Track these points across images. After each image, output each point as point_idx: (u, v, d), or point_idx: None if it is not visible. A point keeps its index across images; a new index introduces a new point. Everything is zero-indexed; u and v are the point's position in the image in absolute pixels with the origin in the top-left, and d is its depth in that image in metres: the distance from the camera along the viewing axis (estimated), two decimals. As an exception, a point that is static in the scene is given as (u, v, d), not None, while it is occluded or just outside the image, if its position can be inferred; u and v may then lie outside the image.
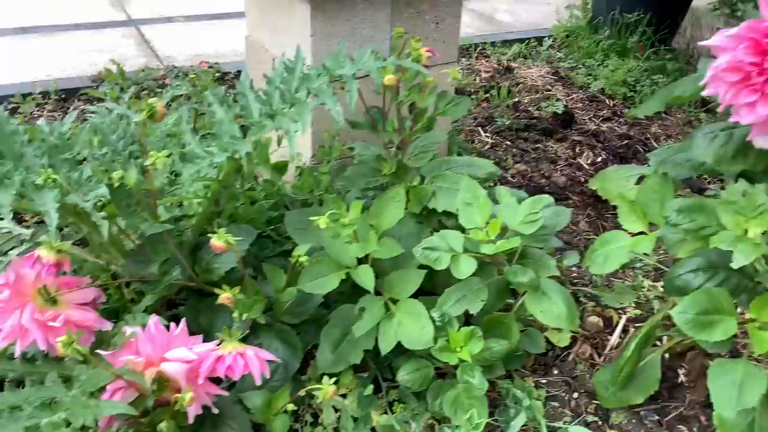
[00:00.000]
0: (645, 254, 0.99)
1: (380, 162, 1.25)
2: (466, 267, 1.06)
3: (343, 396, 1.18)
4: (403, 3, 1.44)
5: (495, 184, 1.80)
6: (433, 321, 1.08)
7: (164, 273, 1.07)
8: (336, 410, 1.17)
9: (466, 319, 1.17)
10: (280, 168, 1.38)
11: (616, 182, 1.08)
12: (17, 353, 0.95)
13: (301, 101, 1.09)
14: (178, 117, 1.35)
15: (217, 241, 0.94)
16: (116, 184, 0.98)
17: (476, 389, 1.04)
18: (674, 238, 0.95)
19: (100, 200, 1.05)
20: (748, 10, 2.27)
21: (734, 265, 0.75)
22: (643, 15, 2.77)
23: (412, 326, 1.08)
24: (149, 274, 1.06)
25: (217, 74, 2.41)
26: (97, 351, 0.94)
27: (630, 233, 1.02)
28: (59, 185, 0.97)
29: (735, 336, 0.88)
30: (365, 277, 1.09)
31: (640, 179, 1.06)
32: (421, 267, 1.15)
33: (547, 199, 1.11)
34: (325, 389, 0.89)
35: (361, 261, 1.14)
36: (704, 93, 0.74)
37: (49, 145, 1.11)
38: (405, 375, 1.11)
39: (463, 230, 1.14)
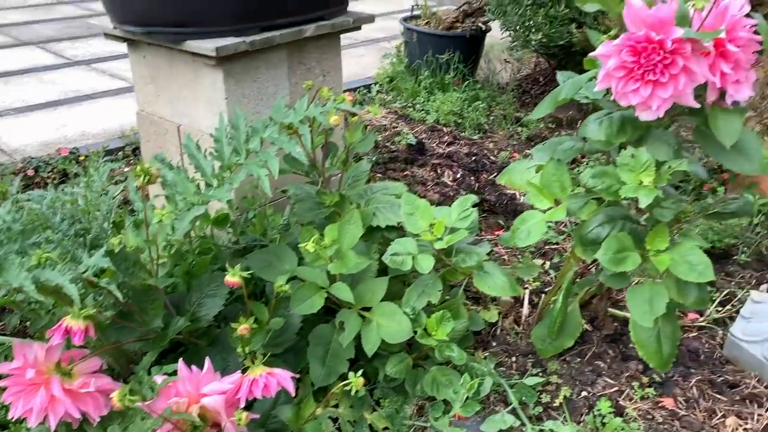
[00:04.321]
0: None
1: (321, 196, 1.42)
2: (426, 263, 1.27)
3: (335, 406, 1.31)
4: (296, 61, 1.64)
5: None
6: (408, 316, 1.26)
7: (164, 327, 1.13)
8: (333, 420, 1.29)
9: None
10: (222, 221, 1.48)
11: (519, 173, 1.37)
12: (53, 427, 0.95)
13: (258, 150, 1.23)
14: (115, 189, 1.39)
15: (232, 278, 1.04)
16: (116, 250, 1.04)
17: (457, 359, 1.24)
18: (577, 206, 1.25)
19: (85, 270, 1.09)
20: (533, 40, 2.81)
21: (641, 205, 1.05)
22: (452, 55, 3.23)
23: (391, 325, 1.26)
24: (151, 330, 1.12)
25: (79, 157, 2.37)
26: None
27: (542, 210, 1.30)
28: (54, 263, 1.01)
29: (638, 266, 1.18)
30: (344, 292, 1.25)
31: (538, 169, 1.35)
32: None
33: (472, 198, 1.36)
34: (355, 380, 1.03)
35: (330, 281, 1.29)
36: (596, 89, 1.04)
37: (15, 231, 1.12)
38: (392, 368, 1.27)
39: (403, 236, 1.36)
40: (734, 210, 1.22)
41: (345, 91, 3.25)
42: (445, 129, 2.87)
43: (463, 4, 3.31)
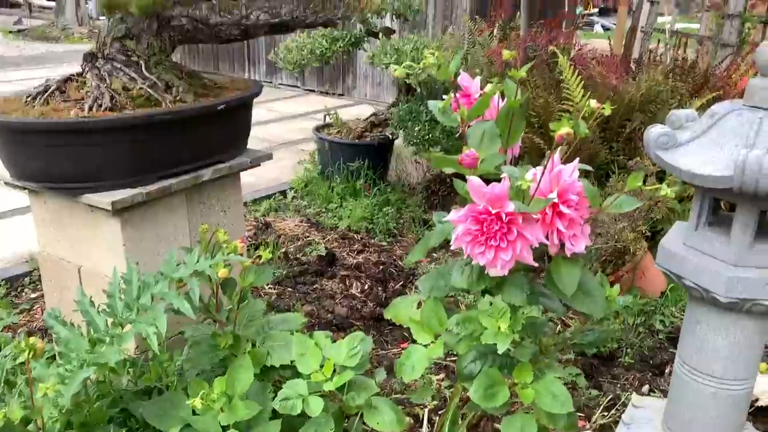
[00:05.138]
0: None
1: (216, 338, 1.47)
2: (316, 406, 1.33)
3: None
4: (196, 201, 1.72)
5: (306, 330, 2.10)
6: (300, 458, 1.31)
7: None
8: None
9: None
10: (117, 369, 1.50)
11: (403, 309, 1.47)
12: None
13: (149, 306, 1.29)
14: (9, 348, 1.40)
15: (116, 446, 1.08)
16: (1, 423, 1.06)
17: (349, 500, 1.29)
18: (453, 341, 1.36)
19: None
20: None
21: (499, 351, 1.16)
22: (363, 163, 3.40)
23: (283, 468, 1.30)
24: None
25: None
26: None
27: (424, 345, 1.40)
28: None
29: (510, 399, 1.29)
30: (236, 439, 1.29)
31: (419, 304, 1.46)
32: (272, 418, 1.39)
33: (359, 335, 1.45)
34: None
35: (224, 427, 1.33)
36: (452, 247, 1.17)
37: None
38: None
39: (300, 376, 1.42)
40: (591, 341, 1.35)
41: (245, 204, 3.35)
42: (356, 236, 2.99)
43: (371, 115, 3.52)
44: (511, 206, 1.07)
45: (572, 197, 1.16)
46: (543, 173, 1.16)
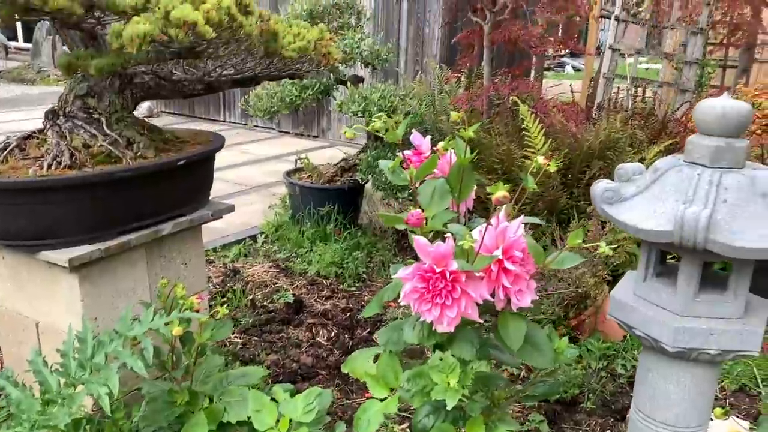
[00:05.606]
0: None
1: (173, 395, 1.47)
2: (272, 463, 1.33)
3: None
4: (156, 255, 1.73)
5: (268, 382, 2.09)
6: None
7: None
8: None
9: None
10: (70, 429, 1.48)
11: (360, 363, 1.48)
12: None
13: (102, 365, 1.29)
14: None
15: None
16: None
17: None
18: (408, 395, 1.37)
19: None
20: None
21: (448, 407, 1.18)
22: (333, 207, 3.43)
23: None
24: None
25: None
26: None
27: (380, 399, 1.41)
28: None
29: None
30: (188, 500, 1.28)
31: (376, 358, 1.47)
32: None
33: (316, 390, 1.45)
34: None
35: (178, 487, 1.32)
36: (402, 303, 1.20)
37: None
38: None
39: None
40: (542, 392, 1.38)
41: (214, 249, 3.34)
42: (325, 281, 3.00)
43: (341, 160, 3.57)
44: (455, 265, 1.10)
45: (517, 253, 1.19)
46: (486, 230, 1.20)
